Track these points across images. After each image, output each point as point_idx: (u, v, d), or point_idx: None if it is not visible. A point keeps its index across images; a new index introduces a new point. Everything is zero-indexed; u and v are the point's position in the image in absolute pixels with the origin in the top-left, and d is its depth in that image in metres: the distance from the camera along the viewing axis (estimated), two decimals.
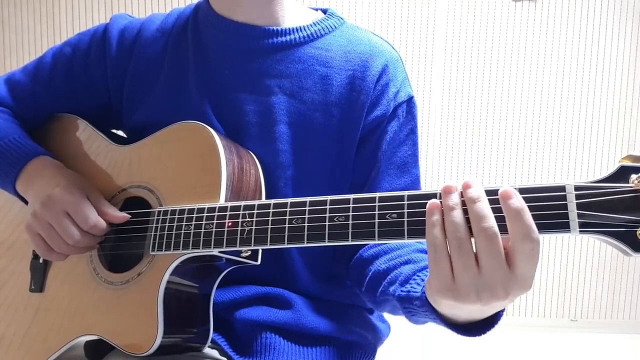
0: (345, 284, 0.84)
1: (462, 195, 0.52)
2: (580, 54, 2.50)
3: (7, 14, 2.60)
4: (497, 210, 0.50)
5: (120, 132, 0.91)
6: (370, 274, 0.73)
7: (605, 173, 0.49)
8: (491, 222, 0.50)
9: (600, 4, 2.48)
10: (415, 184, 0.81)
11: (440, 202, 0.53)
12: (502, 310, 0.57)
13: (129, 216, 0.74)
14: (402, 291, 0.64)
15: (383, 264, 0.71)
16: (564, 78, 2.52)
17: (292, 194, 0.78)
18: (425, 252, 0.67)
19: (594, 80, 2.51)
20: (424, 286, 0.58)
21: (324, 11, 0.86)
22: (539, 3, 2.48)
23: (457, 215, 0.51)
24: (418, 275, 0.64)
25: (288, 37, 0.79)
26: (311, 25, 0.81)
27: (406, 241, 0.74)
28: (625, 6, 2.47)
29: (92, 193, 0.75)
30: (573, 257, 2.57)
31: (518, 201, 0.49)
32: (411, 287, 0.63)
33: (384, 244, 0.74)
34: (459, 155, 2.56)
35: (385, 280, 0.69)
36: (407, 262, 0.69)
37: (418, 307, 0.61)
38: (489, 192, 0.51)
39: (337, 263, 0.83)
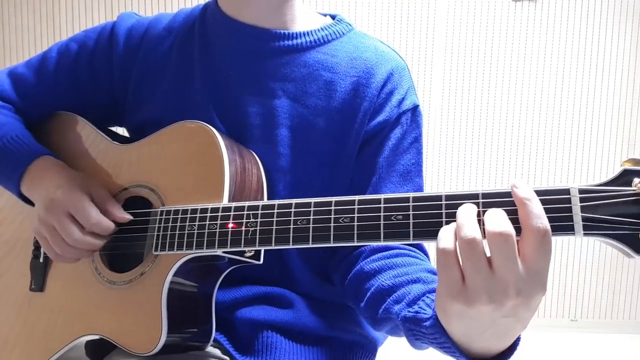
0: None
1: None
2: (580, 54, 2.51)
3: (7, 14, 2.60)
4: (509, 212, 0.50)
5: (122, 130, 0.91)
6: (372, 289, 0.69)
7: (606, 175, 0.50)
8: (505, 221, 0.49)
9: (600, 4, 2.48)
10: None
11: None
12: (518, 340, 0.55)
13: (131, 217, 0.73)
14: (409, 312, 0.60)
15: (388, 280, 0.67)
16: (564, 78, 2.52)
17: (289, 198, 0.77)
18: (435, 274, 0.65)
19: (594, 80, 2.52)
20: (434, 309, 0.55)
21: (333, 17, 0.85)
22: (539, 3, 2.49)
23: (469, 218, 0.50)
24: (428, 296, 0.60)
25: (295, 41, 0.79)
26: (319, 30, 0.81)
27: (413, 257, 0.73)
28: (625, 6, 2.47)
29: (96, 191, 0.74)
30: (573, 257, 2.57)
31: (529, 190, 0.49)
32: (419, 307, 0.59)
33: (388, 257, 0.72)
34: (459, 155, 2.56)
35: (390, 298, 0.65)
36: (415, 281, 0.65)
37: (425, 330, 0.57)
38: (499, 195, 0.52)
39: (334, 272, 0.81)
